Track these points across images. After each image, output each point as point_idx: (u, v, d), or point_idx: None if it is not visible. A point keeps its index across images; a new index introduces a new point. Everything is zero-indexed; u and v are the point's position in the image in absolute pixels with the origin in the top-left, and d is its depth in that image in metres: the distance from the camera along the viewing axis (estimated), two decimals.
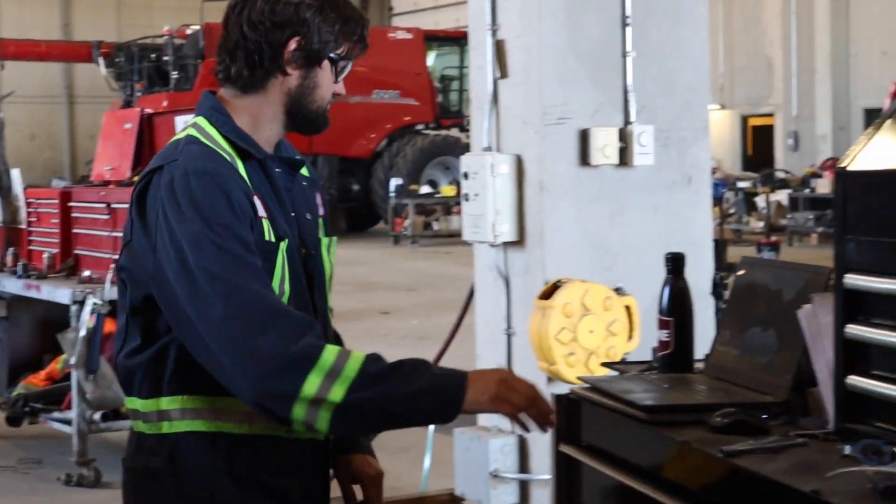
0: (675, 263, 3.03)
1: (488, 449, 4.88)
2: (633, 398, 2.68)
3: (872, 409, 2.33)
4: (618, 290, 4.57)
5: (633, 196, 4.87)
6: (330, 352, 2.51)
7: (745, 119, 31.38)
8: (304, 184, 2.86)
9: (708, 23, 5.11)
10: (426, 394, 2.53)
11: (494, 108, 4.90)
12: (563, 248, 4.76)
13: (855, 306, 2.37)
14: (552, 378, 4.41)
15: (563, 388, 3.20)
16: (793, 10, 28.92)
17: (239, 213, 2.60)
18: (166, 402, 2.66)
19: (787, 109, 29.48)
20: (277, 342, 2.48)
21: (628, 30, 4.85)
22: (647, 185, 4.89)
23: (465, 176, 4.88)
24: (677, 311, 3.00)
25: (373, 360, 2.54)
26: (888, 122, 2.43)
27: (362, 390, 2.49)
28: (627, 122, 4.84)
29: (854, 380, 2.36)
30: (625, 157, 4.80)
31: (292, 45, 2.71)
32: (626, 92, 4.85)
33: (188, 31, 26.02)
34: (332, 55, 2.74)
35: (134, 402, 2.71)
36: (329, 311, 2.92)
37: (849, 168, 2.39)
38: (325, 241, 2.88)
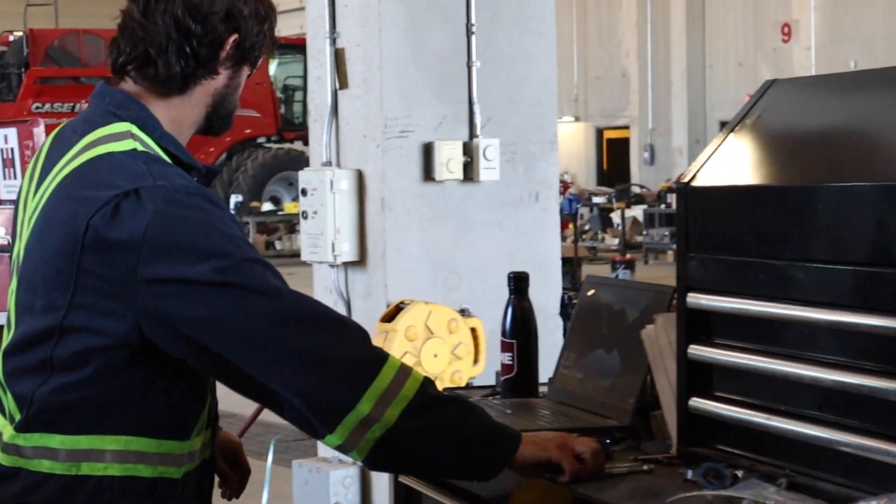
0: (518, 284, 2.99)
1: (329, 481, 4.74)
2: None
3: (715, 431, 2.32)
4: (463, 312, 4.49)
5: (479, 213, 4.79)
6: (393, 359, 2.27)
7: (600, 132, 31.71)
8: None
9: (556, 32, 5.05)
10: (481, 438, 2.30)
11: (334, 121, 4.77)
12: (405, 268, 4.65)
13: (698, 326, 2.35)
14: None
15: None
16: (648, 21, 29.36)
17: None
18: (101, 441, 2.36)
19: (643, 122, 29.89)
20: (347, 347, 2.25)
21: (473, 38, 4.76)
22: (493, 202, 4.81)
23: (304, 192, 4.73)
24: (520, 333, 2.96)
25: (430, 381, 2.31)
26: (730, 136, 2.38)
27: (417, 416, 2.25)
28: (472, 135, 4.75)
29: (697, 402, 2.34)
30: (470, 172, 4.72)
31: (230, 41, 2.40)
32: (471, 104, 4.76)
33: (11, 38, 25.24)
34: (256, 55, 2.47)
35: (48, 440, 2.43)
36: None
37: (691, 184, 2.34)
38: None
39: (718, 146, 2.40)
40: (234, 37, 2.40)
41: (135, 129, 2.36)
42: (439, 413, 2.27)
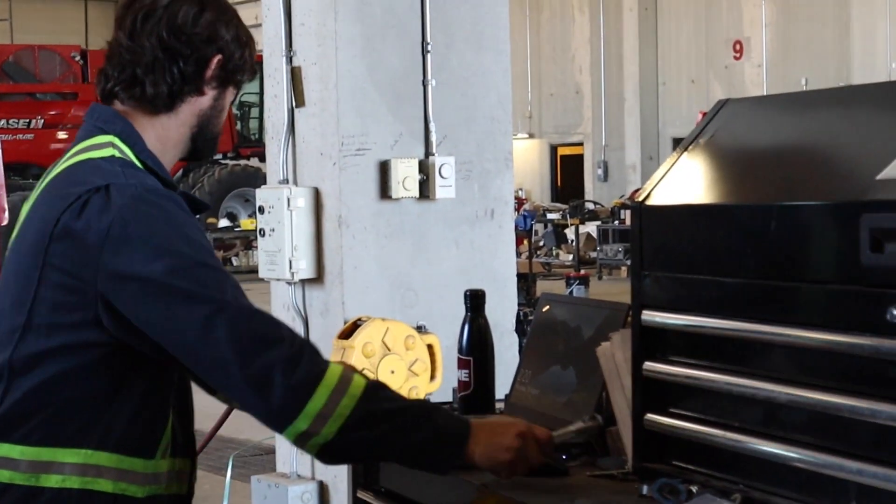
0: (474, 301, 3.01)
1: (287, 496, 4.74)
2: None
3: (670, 447, 2.32)
4: (420, 329, 4.47)
5: (435, 230, 4.80)
6: (327, 381, 2.31)
7: (554, 148, 31.76)
8: None
9: (510, 50, 5.07)
10: (423, 447, 2.36)
11: (291, 139, 4.77)
12: (363, 285, 4.65)
13: (652, 343, 2.35)
14: None
15: None
16: (601, 38, 29.46)
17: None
18: (61, 454, 2.36)
19: (597, 139, 29.98)
20: (281, 366, 2.28)
21: (428, 57, 4.78)
22: (449, 219, 4.82)
23: (261, 210, 4.73)
24: (477, 349, 2.99)
25: (373, 393, 2.34)
26: (684, 155, 2.40)
27: (356, 431, 2.31)
28: (428, 153, 4.76)
29: (652, 418, 2.35)
30: (426, 190, 4.73)
31: (215, 62, 2.50)
32: (426, 122, 4.78)
33: None
34: (239, 77, 2.56)
35: (9, 450, 2.37)
36: None
37: (646, 202, 2.36)
38: None
39: (672, 165, 2.41)
40: (217, 57, 2.49)
41: (117, 141, 2.43)
42: (379, 427, 2.33)
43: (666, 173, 2.41)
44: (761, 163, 2.30)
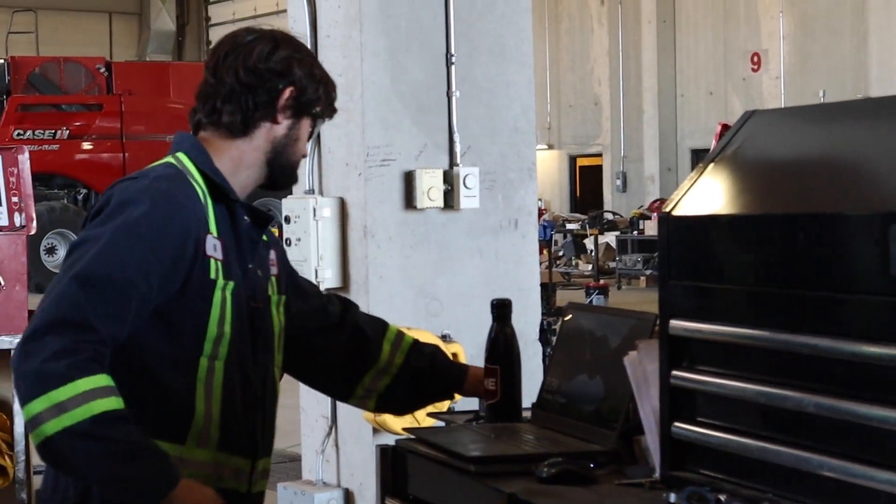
0: (502, 310, 3.01)
1: (313, 503, 4.74)
2: (459, 449, 2.64)
3: (697, 456, 2.33)
4: (444, 338, 4.51)
5: (459, 240, 4.82)
6: (79, 385, 2.43)
7: (573, 159, 31.74)
8: (260, 243, 2.86)
9: (534, 60, 5.09)
10: (126, 483, 2.48)
11: (317, 150, 4.81)
12: (388, 294, 4.68)
13: (680, 352, 2.36)
14: (378, 429, 4.32)
15: (388, 440, 3.12)
16: (620, 50, 29.44)
17: (169, 247, 2.59)
18: None
19: (615, 150, 29.93)
20: (45, 351, 2.45)
21: (452, 68, 4.81)
22: (473, 229, 4.85)
23: (287, 220, 4.77)
24: (504, 358, 2.98)
25: (112, 417, 2.46)
26: (711, 166, 2.41)
27: (78, 439, 2.43)
28: (453, 163, 4.80)
29: (679, 427, 2.35)
30: (450, 200, 4.75)
31: (286, 93, 2.76)
32: (451, 133, 4.81)
33: None
34: (315, 110, 2.81)
35: None
36: (276, 369, 2.87)
37: (673, 213, 2.37)
38: (274, 298, 2.86)
39: (699, 176, 2.42)
40: (290, 89, 2.76)
41: (181, 155, 2.75)
42: (99, 445, 2.44)
43: (693, 184, 2.41)
44: (788, 173, 2.31)
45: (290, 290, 2.94)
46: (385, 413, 3.07)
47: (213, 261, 2.65)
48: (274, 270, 2.88)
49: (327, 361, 3.03)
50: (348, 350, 3.03)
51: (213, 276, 2.65)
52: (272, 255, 2.90)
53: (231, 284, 2.68)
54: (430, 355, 3.08)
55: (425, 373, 3.07)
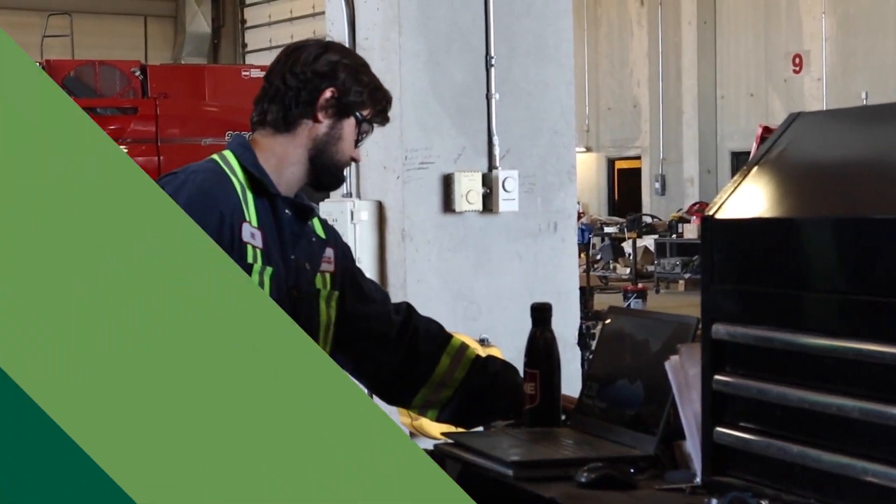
0: (541, 314, 2.99)
1: None
2: (498, 454, 2.63)
3: (739, 461, 2.31)
4: (482, 342, 4.50)
5: (498, 244, 4.81)
6: None
7: (611, 162, 31.66)
8: (313, 238, 2.97)
9: (573, 63, 5.08)
10: None
11: None
12: (426, 297, 4.67)
13: (722, 356, 2.35)
14: (415, 433, 4.30)
15: (426, 444, 3.11)
16: (659, 51, 29.36)
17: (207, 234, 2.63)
18: None
19: (654, 152, 29.84)
20: None
21: (492, 70, 4.80)
22: (512, 233, 4.84)
23: None
24: (543, 363, 2.96)
25: None
26: (755, 168, 2.39)
27: None
28: (492, 166, 4.78)
29: (721, 431, 2.34)
30: (489, 204, 4.75)
31: (327, 93, 2.89)
32: (490, 135, 4.80)
33: None
34: (358, 114, 2.91)
35: None
36: None
37: (716, 216, 2.35)
38: (324, 291, 2.95)
39: (743, 178, 2.41)
40: (331, 90, 2.89)
41: (227, 153, 2.90)
42: None
43: (737, 186, 2.40)
44: (833, 176, 2.29)
45: (347, 288, 3.00)
46: (450, 424, 3.09)
47: (250, 247, 2.77)
48: (328, 267, 2.97)
49: (377, 371, 3.07)
50: (401, 362, 3.06)
51: (250, 260, 2.76)
52: (328, 252, 3.00)
53: (269, 269, 2.79)
54: (493, 374, 3.10)
55: (487, 390, 3.08)
